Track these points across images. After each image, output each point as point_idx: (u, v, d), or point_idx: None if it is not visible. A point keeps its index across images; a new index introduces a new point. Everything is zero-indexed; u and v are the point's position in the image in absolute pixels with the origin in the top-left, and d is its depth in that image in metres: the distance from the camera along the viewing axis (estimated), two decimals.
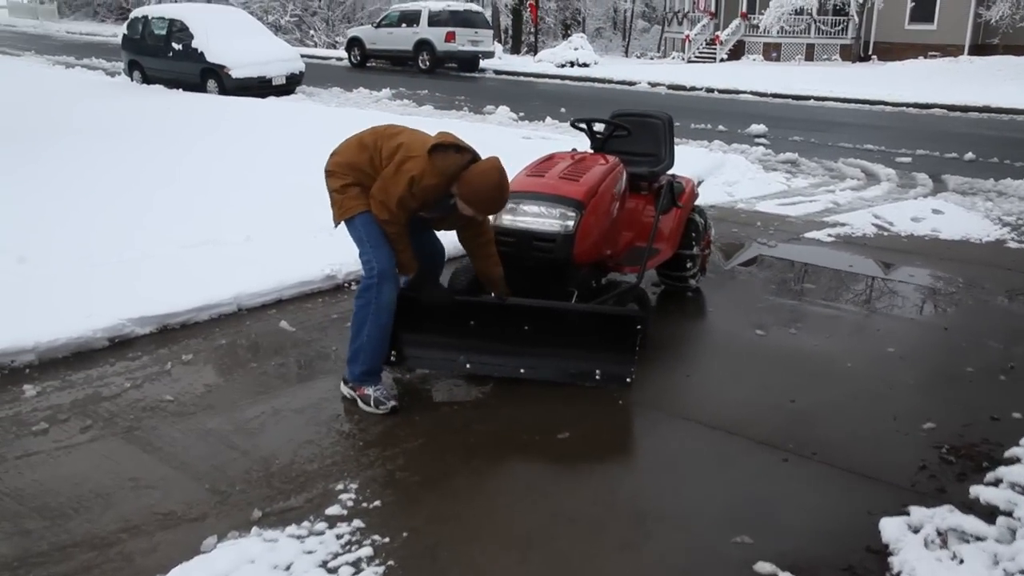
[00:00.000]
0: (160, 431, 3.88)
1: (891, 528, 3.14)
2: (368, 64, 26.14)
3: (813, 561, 3.04)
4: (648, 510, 3.35)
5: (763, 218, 8.29)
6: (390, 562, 2.97)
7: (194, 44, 17.08)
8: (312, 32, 34.03)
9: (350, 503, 3.31)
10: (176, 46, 17.39)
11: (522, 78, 25.10)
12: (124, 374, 4.44)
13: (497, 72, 26.03)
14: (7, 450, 3.67)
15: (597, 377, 4.32)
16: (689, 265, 5.82)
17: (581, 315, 4.37)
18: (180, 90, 16.85)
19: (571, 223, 4.55)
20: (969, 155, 12.50)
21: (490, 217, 4.66)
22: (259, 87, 16.67)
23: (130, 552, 3.01)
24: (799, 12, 33.60)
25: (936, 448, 3.89)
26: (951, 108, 19.05)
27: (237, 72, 16.60)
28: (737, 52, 36.81)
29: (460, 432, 3.94)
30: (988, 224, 8.32)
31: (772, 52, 35.99)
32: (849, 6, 33.54)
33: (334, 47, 32.85)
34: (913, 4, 34.14)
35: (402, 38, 24.85)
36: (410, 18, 24.98)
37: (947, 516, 3.13)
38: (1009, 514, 3.07)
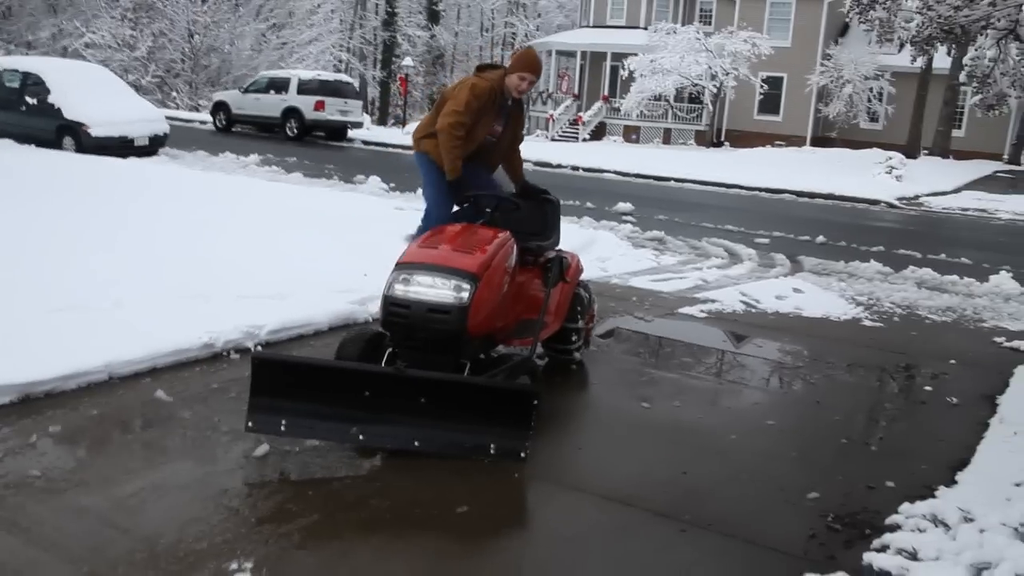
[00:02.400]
0: (27, 510, 3.55)
1: None
2: (233, 129, 25.69)
3: None
4: None
5: (638, 293, 8.54)
6: None
7: (50, 99, 16.33)
8: (175, 94, 33.20)
9: None
10: (30, 100, 16.57)
11: (391, 149, 25.24)
12: None
13: (366, 142, 26.08)
14: None
15: (492, 451, 4.26)
16: (575, 338, 5.90)
17: (477, 388, 4.34)
18: (32, 146, 16.00)
19: (465, 295, 4.53)
20: (821, 238, 13.37)
21: (386, 285, 4.67)
22: (120, 147, 16.03)
23: None
24: (657, 98, 35.42)
25: (822, 517, 4.03)
26: (799, 194, 20.40)
27: (97, 131, 15.94)
28: (599, 133, 38.40)
29: (355, 507, 3.79)
30: (844, 303, 8.86)
31: (632, 134, 37.73)
32: (703, 95, 35.61)
33: (197, 110, 32.18)
34: (761, 97, 36.70)
35: (270, 104, 24.61)
36: (279, 85, 24.81)
37: None
38: None
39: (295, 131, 24.24)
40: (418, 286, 4.58)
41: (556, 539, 3.70)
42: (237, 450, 4.26)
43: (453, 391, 4.29)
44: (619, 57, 36.67)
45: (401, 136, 27.44)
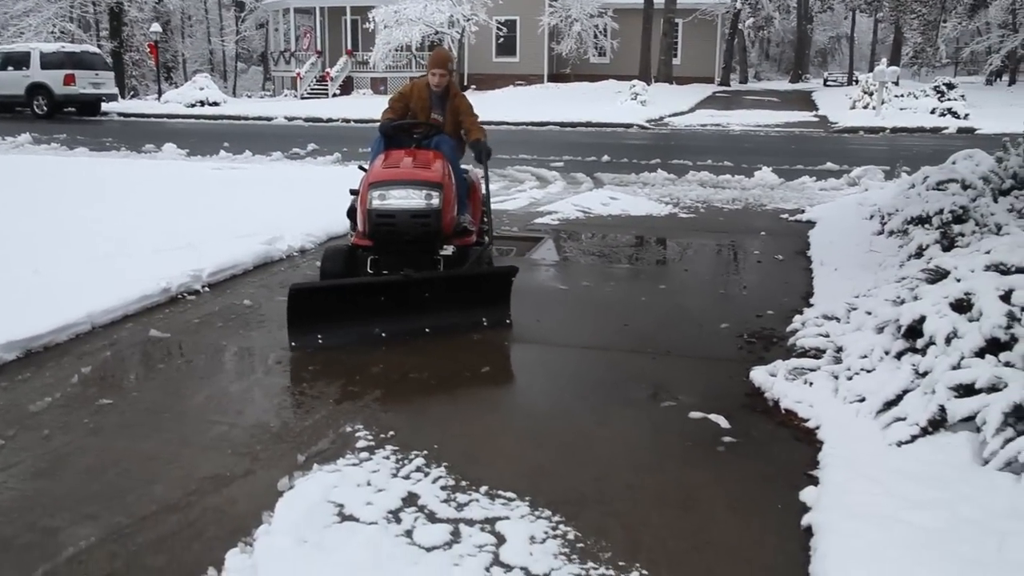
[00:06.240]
0: (128, 425, 3.99)
1: (758, 376, 4.45)
2: None
3: (721, 406, 4.21)
4: (596, 400, 4.30)
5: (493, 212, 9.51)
6: (444, 463, 3.59)
7: None
8: None
9: (371, 438, 3.83)
10: None
11: (153, 120, 24.24)
12: (32, 392, 4.34)
13: (123, 115, 24.80)
14: None
15: (485, 323, 5.25)
16: (486, 238, 6.81)
17: (466, 278, 5.24)
18: None
19: (436, 201, 5.37)
20: (606, 157, 15.00)
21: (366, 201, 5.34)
22: None
23: (215, 506, 3.28)
24: (400, 49, 36.01)
25: (739, 337, 5.31)
26: (562, 124, 22.17)
27: None
28: (348, 87, 38.46)
29: (404, 381, 4.55)
30: (656, 204, 10.37)
31: (380, 86, 38.10)
32: (444, 42, 36.62)
33: None
34: (500, 41, 38.39)
35: (10, 82, 22.71)
36: (18, 60, 22.93)
37: (789, 362, 4.50)
38: (826, 351, 4.52)
39: (44, 108, 22.57)
40: (395, 199, 5.36)
41: (567, 376, 4.70)
42: (264, 360, 4.84)
43: (448, 283, 5.17)
44: (359, 11, 36.81)
45: (160, 106, 26.32)
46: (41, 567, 2.86)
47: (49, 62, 22.69)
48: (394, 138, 6.06)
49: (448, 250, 5.73)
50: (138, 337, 5.22)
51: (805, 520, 3.13)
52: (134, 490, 3.38)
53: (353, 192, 5.87)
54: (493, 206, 9.98)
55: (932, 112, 22.98)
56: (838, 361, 4.38)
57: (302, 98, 36.28)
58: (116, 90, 25.96)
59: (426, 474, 3.51)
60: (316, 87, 37.84)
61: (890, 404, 3.84)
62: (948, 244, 6.02)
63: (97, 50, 26.31)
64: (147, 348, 5.05)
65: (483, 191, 6.86)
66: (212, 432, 3.93)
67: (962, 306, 4.02)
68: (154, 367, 4.77)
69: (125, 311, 5.60)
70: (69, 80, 22.55)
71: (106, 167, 12.17)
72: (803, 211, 9.81)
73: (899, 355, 4.12)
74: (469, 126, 6.14)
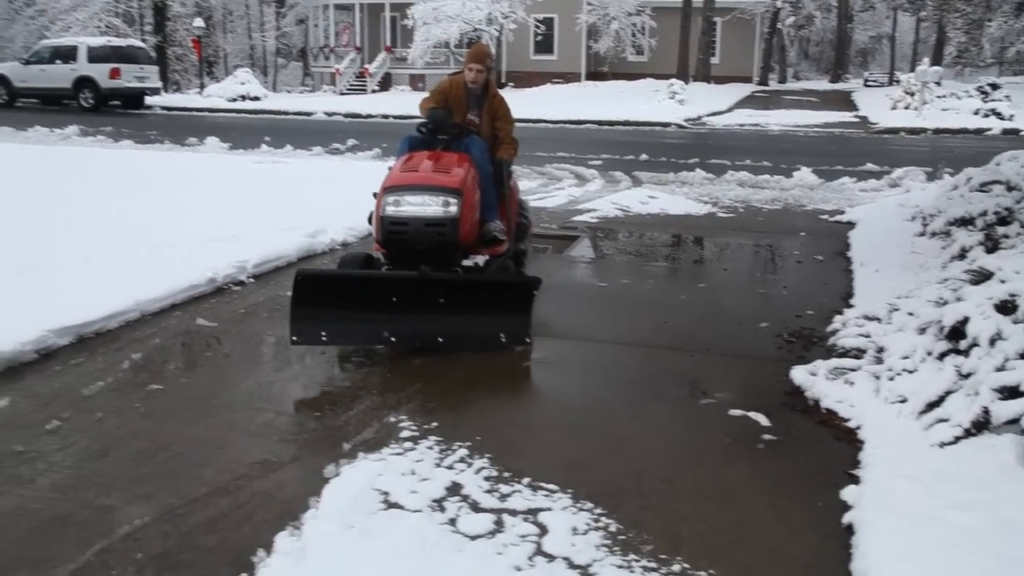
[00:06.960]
0: (177, 410, 4.09)
1: (798, 375, 4.45)
2: (17, 104, 23.98)
3: (760, 404, 4.22)
4: (634, 395, 4.34)
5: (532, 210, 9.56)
6: (487, 454, 3.64)
7: None
8: None
9: (414, 428, 3.89)
10: None
11: (195, 113, 24.60)
12: (85, 376, 4.47)
13: (166, 109, 25.19)
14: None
15: (503, 340, 4.95)
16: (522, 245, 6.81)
17: (487, 284, 5.10)
18: None
19: (454, 209, 5.11)
20: (644, 156, 14.97)
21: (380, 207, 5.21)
22: None
23: (263, 490, 3.36)
24: (438, 46, 36.16)
25: (778, 336, 5.31)
26: (600, 123, 22.14)
27: None
28: (386, 83, 38.70)
29: (444, 378, 4.58)
30: (694, 203, 10.35)
31: (419, 83, 38.24)
32: (482, 40, 36.70)
33: None
34: (538, 38, 38.43)
35: (59, 75, 23.21)
36: (65, 54, 23.42)
37: (830, 362, 4.49)
38: (867, 351, 4.51)
39: (90, 102, 23.03)
40: (409, 205, 5.13)
41: (606, 372, 4.73)
42: (308, 351, 4.90)
43: (467, 289, 5.01)
44: (398, 8, 37.03)
45: (202, 100, 26.69)
46: (98, 543, 2.96)
47: (96, 56, 23.16)
48: (421, 139, 5.91)
49: (473, 261, 5.44)
50: (185, 325, 5.34)
51: (846, 518, 3.14)
52: (185, 473, 3.48)
53: (376, 196, 5.68)
54: (532, 203, 10.08)
55: (975, 113, 22.64)
56: (879, 361, 4.37)
57: (341, 94, 36.55)
58: (159, 84, 26.40)
59: (469, 464, 3.56)
60: (355, 83, 38.12)
61: (932, 405, 3.83)
62: (992, 246, 5.97)
63: (142, 44, 26.80)
64: (194, 336, 5.16)
65: (519, 198, 6.83)
66: (259, 419, 4.02)
67: (1007, 308, 3.99)
68: (201, 355, 4.88)
69: (173, 300, 5.72)
70: (115, 74, 23.00)
71: (151, 160, 12.41)
72: (843, 212, 9.73)
73: (942, 356, 4.11)
74: (501, 138, 5.94)
